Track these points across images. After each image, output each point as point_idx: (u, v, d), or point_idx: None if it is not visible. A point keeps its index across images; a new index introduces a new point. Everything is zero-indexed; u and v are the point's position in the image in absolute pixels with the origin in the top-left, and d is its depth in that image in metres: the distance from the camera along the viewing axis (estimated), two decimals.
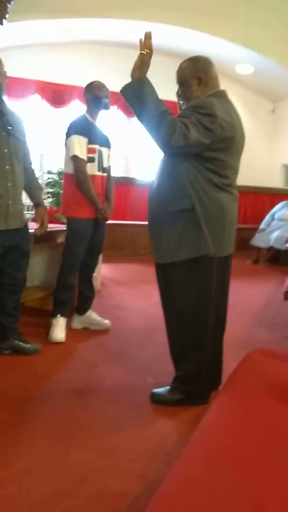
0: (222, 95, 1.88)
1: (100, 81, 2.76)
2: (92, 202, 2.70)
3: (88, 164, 2.70)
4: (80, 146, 2.65)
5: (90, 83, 2.78)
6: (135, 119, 7.67)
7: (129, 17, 6.01)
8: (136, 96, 1.73)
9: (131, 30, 6.32)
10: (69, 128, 2.71)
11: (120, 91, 1.78)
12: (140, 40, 1.77)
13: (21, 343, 2.44)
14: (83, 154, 2.66)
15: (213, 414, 1.25)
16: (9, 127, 2.15)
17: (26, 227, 2.36)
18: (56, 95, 6.73)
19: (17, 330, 2.46)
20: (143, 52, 1.75)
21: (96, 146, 2.73)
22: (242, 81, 7.47)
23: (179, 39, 6.53)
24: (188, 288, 1.88)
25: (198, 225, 1.81)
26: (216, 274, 1.91)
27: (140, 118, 1.76)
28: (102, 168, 2.80)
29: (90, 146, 2.70)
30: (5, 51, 6.27)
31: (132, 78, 1.76)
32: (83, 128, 2.68)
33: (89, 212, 2.72)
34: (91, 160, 2.71)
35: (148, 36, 1.77)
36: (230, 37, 6.36)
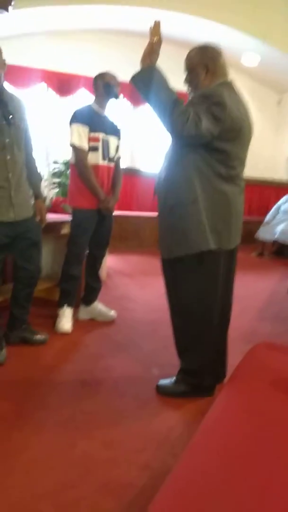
0: (230, 85, 1.85)
1: (112, 72, 2.74)
2: (93, 192, 2.67)
3: (91, 153, 2.68)
4: (79, 135, 2.62)
5: (103, 72, 2.75)
6: (141, 108, 7.54)
7: (136, 4, 5.92)
8: (146, 84, 1.71)
9: (138, 18, 6.25)
10: (71, 117, 2.68)
11: (130, 79, 1.75)
12: (150, 27, 1.75)
13: (29, 334, 2.45)
14: (82, 143, 2.63)
15: (218, 407, 1.25)
16: (10, 116, 2.11)
17: (34, 216, 2.34)
18: (62, 84, 6.67)
19: (27, 321, 2.48)
20: (152, 40, 1.73)
21: (100, 135, 2.69)
22: (247, 71, 7.37)
23: (184, 27, 6.43)
24: (194, 282, 1.87)
25: (199, 220, 1.79)
26: (222, 268, 1.90)
27: (151, 106, 1.74)
28: (108, 158, 2.76)
29: (92, 134, 2.66)
30: (11, 39, 6.22)
31: (142, 66, 1.74)
32: (84, 117, 2.65)
33: (93, 203, 2.70)
34: (94, 149, 2.68)
35: (157, 24, 1.74)
36: (237, 26, 6.25)
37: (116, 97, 2.74)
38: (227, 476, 0.94)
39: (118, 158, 2.91)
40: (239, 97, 1.86)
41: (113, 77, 2.72)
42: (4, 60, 2.11)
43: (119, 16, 6.32)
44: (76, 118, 2.65)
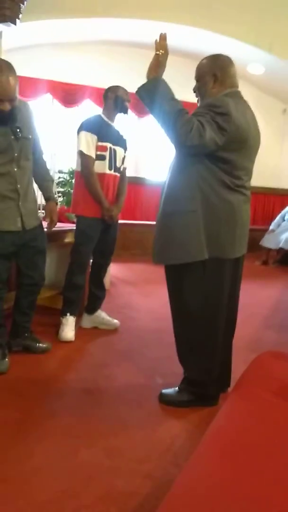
0: (237, 95, 1.86)
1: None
2: (97, 200, 2.69)
3: (98, 162, 2.70)
4: (87, 143, 2.65)
5: (116, 85, 2.79)
6: (146, 119, 7.61)
7: (141, 17, 6.00)
8: (151, 96, 1.73)
9: (143, 30, 6.32)
10: (80, 125, 2.71)
11: (136, 91, 1.78)
12: (156, 41, 1.77)
13: (32, 342, 2.45)
14: (90, 151, 2.66)
15: (223, 416, 1.24)
16: (18, 130, 2.13)
17: (40, 224, 2.36)
18: (68, 94, 6.75)
19: (30, 329, 2.47)
20: (158, 53, 1.75)
21: (108, 144, 2.72)
22: (253, 81, 7.43)
23: (190, 39, 6.51)
24: (197, 290, 1.86)
25: (196, 229, 1.79)
26: (227, 276, 1.90)
27: (156, 117, 1.75)
28: (114, 167, 2.79)
29: (100, 143, 2.69)
30: (18, 51, 6.32)
31: (147, 78, 1.77)
32: (93, 126, 2.68)
33: (97, 211, 2.71)
34: (101, 158, 2.70)
35: (163, 37, 1.77)
36: (242, 37, 6.32)
37: (126, 112, 2.79)
38: (231, 486, 0.93)
39: (124, 169, 2.93)
40: (246, 106, 1.86)
41: (125, 93, 2.76)
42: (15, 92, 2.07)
43: (124, 28, 6.41)
44: (85, 126, 2.68)
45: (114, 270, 4.84)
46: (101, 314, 3.01)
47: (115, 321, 3.03)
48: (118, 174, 2.85)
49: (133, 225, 6.36)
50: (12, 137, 2.12)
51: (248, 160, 1.86)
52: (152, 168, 7.68)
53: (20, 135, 2.14)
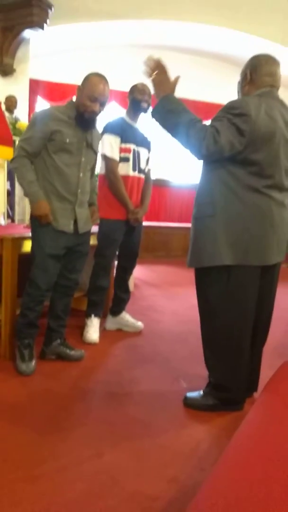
0: (269, 95, 1.81)
1: (144, 84, 2.76)
2: (122, 202, 2.70)
3: (122, 164, 2.71)
4: (110, 146, 2.67)
5: (134, 85, 2.79)
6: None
7: (166, 18, 6.02)
8: (162, 115, 1.78)
9: (169, 32, 6.34)
10: (103, 128, 2.73)
11: (151, 116, 1.83)
12: (146, 65, 1.81)
13: (66, 349, 2.42)
14: (113, 154, 2.67)
15: (250, 422, 1.22)
16: (90, 140, 2.27)
17: (89, 231, 2.40)
18: None
19: (63, 336, 2.46)
20: (153, 75, 1.79)
21: (132, 146, 2.73)
22: (283, 82, 7.34)
23: (217, 40, 6.48)
24: (222, 296, 1.84)
25: (214, 234, 1.78)
26: (254, 283, 1.85)
27: (172, 134, 1.79)
28: (138, 169, 2.79)
29: (124, 145, 2.70)
30: (44, 57, 6.43)
31: (157, 100, 1.80)
32: (116, 128, 2.69)
33: (121, 213, 2.72)
34: (125, 159, 2.71)
35: (150, 59, 1.80)
36: (270, 37, 6.25)
37: (145, 111, 2.78)
38: (259, 493, 0.91)
39: (149, 170, 2.93)
40: (278, 104, 1.79)
41: (141, 91, 2.74)
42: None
43: (150, 30, 6.43)
44: (108, 129, 2.70)
45: (138, 272, 4.85)
46: (126, 316, 3.02)
47: (139, 323, 3.03)
48: (142, 176, 2.85)
49: (157, 227, 6.36)
50: (85, 144, 2.23)
51: (279, 157, 1.77)
52: (177, 170, 7.67)
53: (90, 145, 2.27)
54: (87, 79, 2.17)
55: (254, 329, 1.93)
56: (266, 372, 1.89)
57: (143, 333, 3.00)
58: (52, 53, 6.56)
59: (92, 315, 2.79)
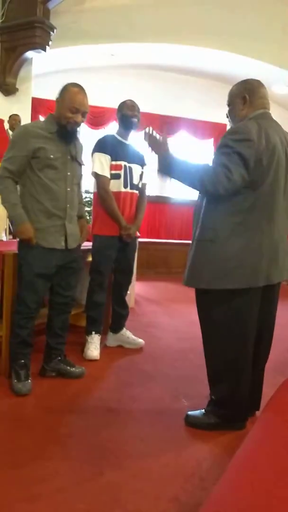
0: (266, 116, 1.85)
1: (132, 101, 2.79)
2: (114, 219, 2.70)
3: (113, 181, 2.72)
4: (100, 163, 2.68)
5: (122, 102, 2.82)
6: (170, 139, 7.72)
7: (166, 41, 6.16)
8: (169, 172, 1.87)
9: (168, 54, 6.49)
10: (94, 146, 2.76)
11: (157, 172, 1.92)
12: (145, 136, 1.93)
13: (66, 366, 2.40)
14: (104, 171, 2.69)
15: (252, 441, 1.21)
16: (74, 153, 2.27)
17: (79, 246, 2.40)
18: (95, 117, 6.96)
19: (64, 353, 2.44)
20: (151, 145, 1.90)
21: (123, 163, 2.74)
22: (278, 100, 7.47)
23: (215, 62, 6.62)
24: (226, 315, 1.84)
25: (213, 258, 1.80)
26: (257, 302, 1.86)
27: (186, 184, 1.85)
28: (131, 185, 2.79)
29: (115, 163, 2.72)
30: (47, 76, 6.55)
31: (158, 159, 1.88)
32: (105, 146, 2.71)
33: (114, 230, 2.72)
34: (116, 176, 2.73)
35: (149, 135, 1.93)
36: (267, 59, 6.40)
37: (135, 128, 2.80)
38: (261, 511, 0.90)
39: (144, 185, 2.93)
40: (274, 126, 1.83)
41: (131, 107, 2.76)
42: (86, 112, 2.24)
43: (149, 52, 6.58)
44: (98, 147, 2.73)
45: (138, 289, 4.85)
46: (126, 333, 3.01)
47: (140, 340, 3.03)
48: (135, 191, 2.85)
49: (157, 243, 6.39)
50: (69, 157, 2.23)
51: (282, 182, 1.80)
52: (177, 187, 7.74)
53: (74, 158, 2.27)
54: (65, 90, 2.17)
55: (255, 347, 1.92)
56: (267, 390, 1.88)
57: (144, 350, 2.98)
58: (54, 72, 6.68)
59: (93, 332, 2.78)
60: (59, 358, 2.41)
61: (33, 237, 2.12)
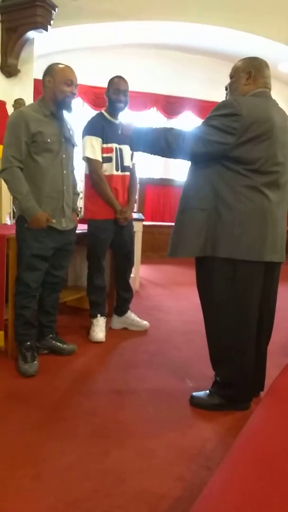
0: (265, 94, 1.86)
1: (120, 79, 2.69)
2: (109, 203, 2.68)
3: (105, 164, 2.69)
4: (92, 147, 2.64)
5: (110, 79, 2.72)
6: (174, 120, 7.60)
7: (170, 19, 6.01)
8: (141, 145, 1.91)
9: (172, 32, 6.33)
10: (83, 129, 2.70)
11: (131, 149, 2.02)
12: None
13: (58, 343, 2.48)
14: (96, 155, 2.65)
15: (256, 421, 1.22)
16: (68, 134, 2.27)
17: (75, 228, 2.43)
18: (98, 98, 6.85)
19: (55, 330, 2.51)
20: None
21: (114, 145, 2.70)
22: (284, 79, 7.31)
23: (221, 40, 6.46)
24: (227, 288, 1.84)
25: (201, 226, 1.81)
26: (259, 280, 1.85)
27: (156, 153, 1.92)
28: (122, 167, 2.75)
29: (105, 145, 2.67)
30: (48, 57, 6.44)
31: (129, 138, 1.94)
32: (95, 128, 2.66)
33: (107, 212, 2.70)
34: (108, 160, 2.69)
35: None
36: (273, 36, 6.23)
37: (122, 110, 2.72)
38: (264, 492, 0.91)
39: (134, 165, 2.89)
40: (272, 104, 1.83)
41: (116, 91, 2.66)
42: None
43: (153, 31, 6.43)
44: (89, 130, 2.67)
45: (143, 272, 4.86)
46: (131, 315, 3.03)
47: (145, 322, 3.04)
48: (127, 173, 2.81)
49: (162, 226, 6.36)
50: (63, 139, 2.23)
51: (281, 156, 1.78)
52: (181, 169, 7.66)
53: (68, 139, 2.26)
54: (52, 69, 2.19)
55: (258, 329, 1.93)
56: (272, 372, 1.89)
57: (149, 332, 3.00)
58: (56, 53, 6.56)
59: (98, 315, 2.79)
60: (51, 335, 2.47)
61: (46, 220, 2.16)
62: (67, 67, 2.21)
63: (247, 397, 1.96)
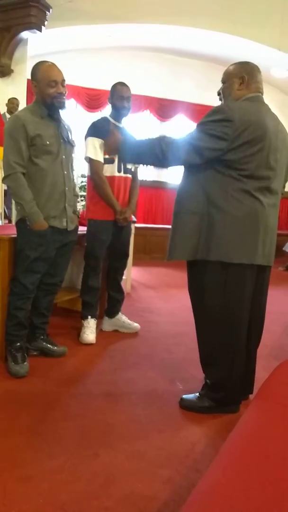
0: (258, 99, 1.87)
1: (123, 85, 2.73)
2: (109, 203, 2.69)
3: (107, 166, 2.70)
4: (94, 148, 2.65)
5: (113, 86, 2.76)
6: (168, 123, 7.67)
7: (164, 22, 6.04)
8: (134, 156, 2.00)
9: (165, 36, 6.36)
10: (87, 131, 2.72)
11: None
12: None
13: (48, 345, 2.46)
14: (97, 156, 2.66)
15: (244, 424, 1.23)
16: (66, 134, 2.27)
17: (76, 229, 2.43)
18: (91, 99, 6.86)
19: (46, 332, 2.49)
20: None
21: None
22: (276, 84, 7.38)
23: (214, 44, 6.51)
24: (219, 291, 1.85)
25: (194, 230, 1.83)
26: (251, 283, 1.87)
27: (149, 163, 2.00)
28: (124, 169, 2.77)
29: None
30: (42, 57, 6.43)
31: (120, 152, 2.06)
32: (99, 130, 2.66)
33: (108, 214, 2.71)
34: (110, 161, 2.70)
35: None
36: (266, 42, 6.29)
37: (126, 115, 2.76)
38: (253, 494, 0.92)
39: (136, 169, 2.91)
40: (266, 109, 1.85)
41: (119, 98, 2.71)
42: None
43: (147, 33, 6.45)
44: (92, 131, 2.68)
45: (135, 274, 4.86)
46: (122, 317, 3.02)
47: (136, 324, 3.04)
48: (129, 176, 2.83)
49: (154, 228, 6.37)
50: (61, 140, 2.23)
51: (272, 160, 1.80)
52: (173, 172, 7.68)
53: (67, 140, 2.27)
54: (37, 69, 2.16)
55: (248, 332, 1.94)
56: (261, 374, 1.90)
57: (140, 334, 3.00)
58: (49, 54, 6.55)
59: (89, 317, 2.78)
60: (42, 337, 2.45)
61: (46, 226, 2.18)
62: (49, 66, 2.14)
63: (236, 400, 1.96)
